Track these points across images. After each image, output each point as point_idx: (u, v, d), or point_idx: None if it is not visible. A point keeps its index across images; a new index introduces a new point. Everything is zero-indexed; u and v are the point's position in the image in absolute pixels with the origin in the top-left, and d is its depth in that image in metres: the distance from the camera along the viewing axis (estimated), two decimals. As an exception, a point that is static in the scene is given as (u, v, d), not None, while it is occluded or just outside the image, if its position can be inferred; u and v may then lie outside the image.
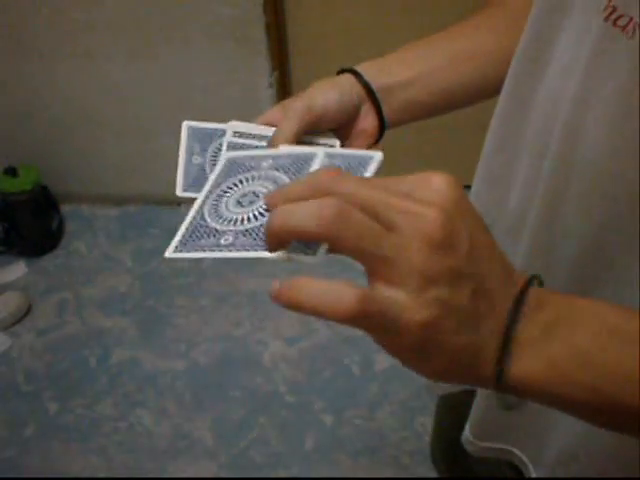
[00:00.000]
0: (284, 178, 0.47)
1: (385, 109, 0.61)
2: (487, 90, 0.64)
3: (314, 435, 1.64)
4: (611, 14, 0.45)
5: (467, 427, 0.73)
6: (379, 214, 0.34)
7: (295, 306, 0.35)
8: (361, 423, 1.65)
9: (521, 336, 0.36)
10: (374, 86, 0.60)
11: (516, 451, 0.71)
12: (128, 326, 1.88)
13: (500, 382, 0.36)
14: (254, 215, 0.43)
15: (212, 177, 0.51)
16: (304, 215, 0.34)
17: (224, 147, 0.58)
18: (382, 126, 0.62)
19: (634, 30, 0.44)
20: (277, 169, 0.48)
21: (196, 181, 0.57)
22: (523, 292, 0.36)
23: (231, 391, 1.73)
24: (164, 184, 2.45)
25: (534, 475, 0.69)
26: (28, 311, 1.91)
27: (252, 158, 0.51)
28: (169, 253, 0.44)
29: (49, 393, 1.74)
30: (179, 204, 2.20)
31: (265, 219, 0.41)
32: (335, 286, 0.34)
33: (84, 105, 2.06)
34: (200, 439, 1.64)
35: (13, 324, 1.87)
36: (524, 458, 0.71)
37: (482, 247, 0.36)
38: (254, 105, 1.95)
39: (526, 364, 0.36)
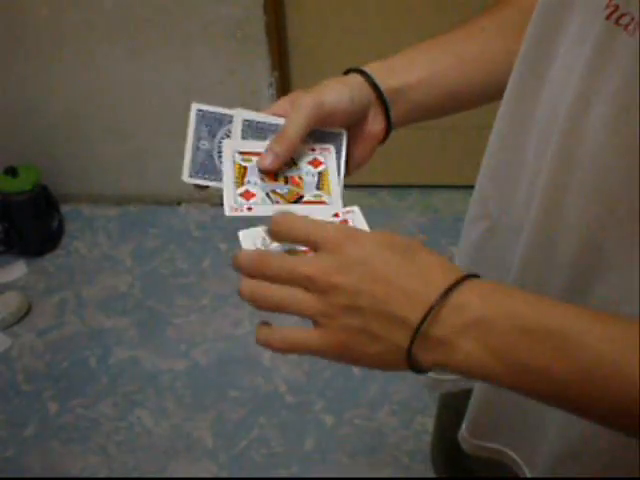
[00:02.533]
0: None
1: (393, 111, 0.61)
2: (495, 91, 0.64)
3: (314, 435, 1.64)
4: (613, 13, 0.46)
5: (463, 425, 0.73)
6: (287, 282, 0.46)
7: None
8: (361, 423, 1.65)
9: (435, 334, 0.43)
10: (383, 88, 0.61)
11: (509, 452, 0.71)
12: (128, 326, 1.88)
13: (415, 369, 0.45)
14: None
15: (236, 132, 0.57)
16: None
17: (234, 135, 0.58)
18: (388, 127, 0.62)
19: (635, 29, 0.44)
20: None
21: (203, 167, 0.57)
22: (443, 296, 0.43)
23: (231, 391, 1.73)
24: (164, 184, 2.47)
25: (529, 475, 0.69)
26: (28, 311, 1.91)
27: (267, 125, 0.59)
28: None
29: (49, 393, 1.74)
30: (179, 204, 2.20)
31: None
32: (283, 331, 0.49)
33: (84, 105, 2.06)
34: (200, 439, 1.64)
35: (13, 324, 1.87)
36: (517, 459, 0.71)
37: (378, 281, 0.44)
38: (254, 105, 1.94)
39: (437, 359, 0.44)
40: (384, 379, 1.73)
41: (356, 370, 1.75)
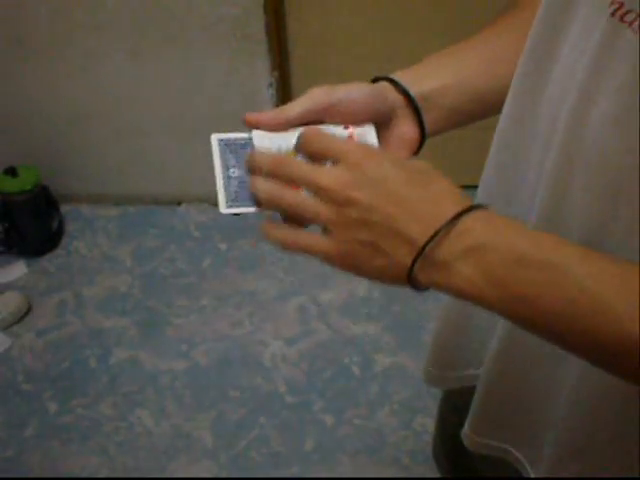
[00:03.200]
0: None
1: (425, 117, 0.60)
2: None
3: (314, 435, 1.64)
4: (618, 10, 0.46)
5: (466, 422, 0.73)
6: (302, 186, 0.48)
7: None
8: (361, 423, 1.65)
9: (437, 257, 0.46)
10: (412, 93, 0.59)
11: (512, 449, 0.72)
12: (128, 326, 1.88)
13: (413, 286, 0.48)
14: None
15: None
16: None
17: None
18: (422, 136, 0.60)
19: None
20: None
21: (238, 195, 0.55)
22: (450, 221, 0.45)
23: (231, 391, 1.73)
24: (164, 184, 2.47)
25: (532, 475, 0.69)
26: (28, 311, 1.91)
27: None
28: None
29: (49, 393, 1.74)
30: (179, 204, 2.20)
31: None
32: (298, 232, 0.50)
33: (84, 105, 2.06)
34: (200, 439, 1.64)
35: (13, 324, 1.87)
36: (520, 457, 0.71)
37: (391, 200, 0.46)
38: (254, 105, 1.95)
39: (435, 279, 0.47)
40: (384, 379, 1.73)
41: (356, 370, 1.75)
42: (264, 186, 0.49)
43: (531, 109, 0.58)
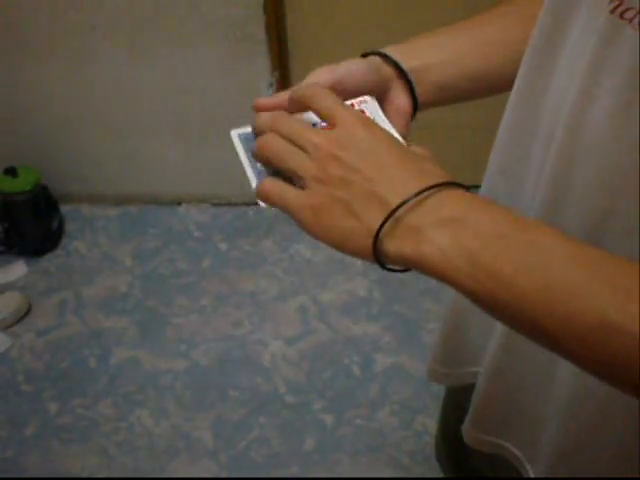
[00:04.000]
0: None
1: (417, 89, 0.62)
2: (513, 79, 0.64)
3: (314, 435, 1.64)
4: (617, 7, 0.46)
5: (466, 418, 0.74)
6: (294, 141, 0.49)
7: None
8: (361, 423, 1.65)
9: (408, 221, 0.44)
10: (404, 66, 0.61)
11: (511, 447, 0.72)
12: (128, 326, 1.88)
13: (377, 257, 0.46)
14: None
15: None
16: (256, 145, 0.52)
17: None
18: (415, 106, 0.62)
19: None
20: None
21: None
22: (429, 188, 0.45)
23: (231, 391, 1.73)
24: (164, 184, 2.47)
25: (532, 474, 0.69)
26: (28, 311, 1.91)
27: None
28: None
29: (49, 393, 1.74)
30: (179, 204, 2.20)
31: None
32: (283, 187, 0.50)
33: (84, 105, 2.06)
34: (200, 439, 1.64)
35: (13, 324, 1.87)
36: (519, 455, 0.71)
37: (375, 165, 0.47)
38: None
39: (403, 248, 0.44)
40: (384, 379, 1.73)
41: (356, 370, 1.75)
42: (260, 140, 0.51)
43: (534, 105, 0.58)
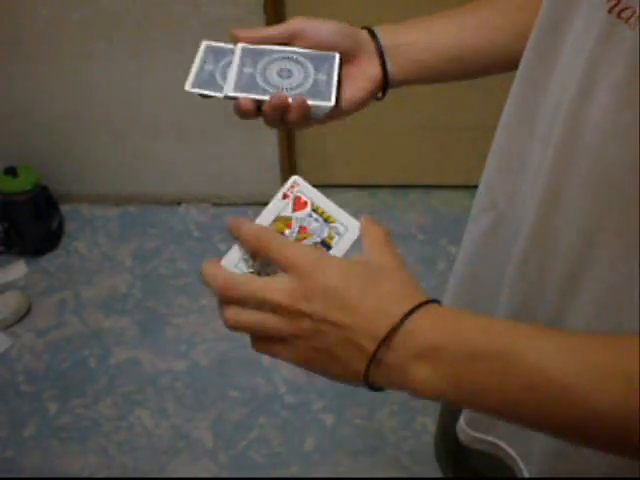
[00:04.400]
0: (295, 64, 0.66)
1: (390, 64, 0.66)
2: (497, 63, 0.68)
3: (314, 435, 1.64)
4: (615, 6, 0.46)
5: (462, 415, 0.74)
6: (254, 305, 0.48)
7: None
8: (361, 423, 1.65)
9: (390, 361, 0.45)
10: (382, 39, 0.67)
11: (504, 445, 0.72)
12: (128, 326, 1.88)
13: (375, 390, 0.48)
14: (296, 85, 0.65)
15: (236, 58, 0.67)
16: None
17: (236, 56, 0.67)
18: (385, 82, 0.67)
19: (636, 23, 0.45)
20: (287, 58, 0.67)
21: (205, 82, 0.67)
22: (397, 325, 0.45)
23: (231, 391, 1.73)
24: (164, 184, 2.46)
25: (526, 473, 0.70)
26: (28, 311, 1.91)
27: (264, 50, 0.67)
28: (227, 91, 0.65)
29: (49, 393, 1.74)
30: (179, 204, 2.20)
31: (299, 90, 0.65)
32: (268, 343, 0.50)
33: (84, 105, 2.06)
34: (200, 439, 1.64)
35: (13, 324, 1.87)
36: (512, 453, 0.71)
37: (341, 309, 0.46)
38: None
39: (392, 382, 0.46)
40: (384, 379, 1.73)
41: (356, 370, 1.75)
42: (223, 315, 0.50)
43: (534, 103, 0.58)
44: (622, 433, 0.40)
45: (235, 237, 0.52)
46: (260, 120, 0.67)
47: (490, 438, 0.73)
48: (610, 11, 0.46)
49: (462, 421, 0.75)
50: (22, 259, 2.05)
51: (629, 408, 0.39)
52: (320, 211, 0.52)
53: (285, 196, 0.53)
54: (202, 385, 1.75)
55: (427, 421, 1.63)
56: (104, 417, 1.68)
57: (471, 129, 1.95)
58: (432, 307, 0.46)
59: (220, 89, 0.66)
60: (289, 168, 2.12)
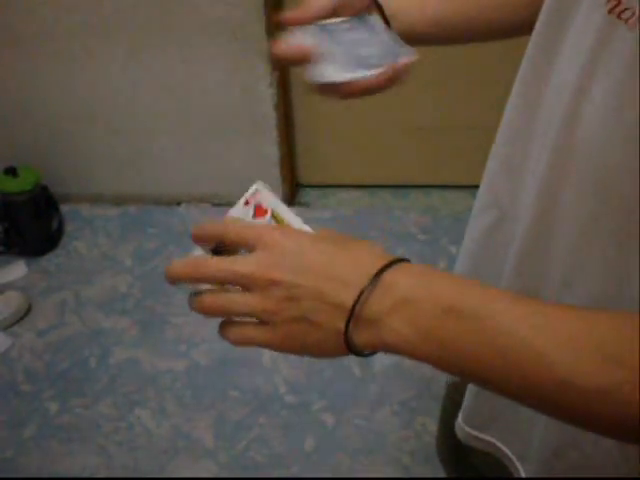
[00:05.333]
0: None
1: (399, 24, 0.66)
2: (491, 30, 0.69)
3: (314, 435, 1.64)
4: (615, 7, 0.46)
5: (460, 413, 0.74)
6: (224, 281, 0.48)
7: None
8: (361, 423, 1.65)
9: (367, 315, 0.45)
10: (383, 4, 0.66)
11: (501, 445, 0.72)
12: (128, 326, 1.88)
13: (354, 352, 0.47)
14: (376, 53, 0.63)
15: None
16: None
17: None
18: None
19: (636, 23, 0.45)
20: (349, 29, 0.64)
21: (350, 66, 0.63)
22: (374, 278, 0.45)
23: (231, 391, 1.73)
24: (164, 184, 2.47)
25: (522, 473, 0.70)
26: (28, 311, 1.91)
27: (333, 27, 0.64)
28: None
29: (49, 393, 1.74)
30: (179, 204, 2.20)
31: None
32: (242, 328, 0.50)
33: (84, 105, 2.06)
34: (200, 439, 1.64)
35: (13, 324, 1.87)
36: (509, 453, 0.71)
37: (312, 272, 0.46)
38: (254, 105, 1.95)
39: (370, 338, 0.46)
40: (384, 379, 1.73)
41: (356, 370, 1.75)
42: (192, 301, 0.50)
43: (535, 100, 0.58)
44: (594, 405, 0.40)
45: (198, 238, 0.51)
46: (260, 120, 0.67)
47: (487, 437, 0.73)
48: (610, 12, 0.46)
49: (460, 418, 0.75)
50: (22, 259, 2.05)
51: (601, 380, 0.39)
52: (279, 219, 0.52)
53: (247, 202, 0.53)
54: (202, 385, 1.75)
55: (427, 421, 1.63)
56: (104, 417, 1.68)
57: (471, 129, 1.95)
58: (405, 264, 0.47)
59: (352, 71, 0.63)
60: (289, 168, 2.12)
